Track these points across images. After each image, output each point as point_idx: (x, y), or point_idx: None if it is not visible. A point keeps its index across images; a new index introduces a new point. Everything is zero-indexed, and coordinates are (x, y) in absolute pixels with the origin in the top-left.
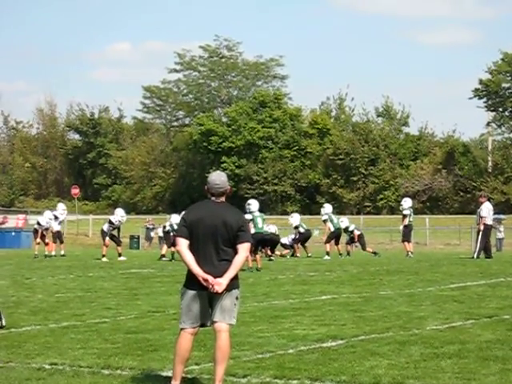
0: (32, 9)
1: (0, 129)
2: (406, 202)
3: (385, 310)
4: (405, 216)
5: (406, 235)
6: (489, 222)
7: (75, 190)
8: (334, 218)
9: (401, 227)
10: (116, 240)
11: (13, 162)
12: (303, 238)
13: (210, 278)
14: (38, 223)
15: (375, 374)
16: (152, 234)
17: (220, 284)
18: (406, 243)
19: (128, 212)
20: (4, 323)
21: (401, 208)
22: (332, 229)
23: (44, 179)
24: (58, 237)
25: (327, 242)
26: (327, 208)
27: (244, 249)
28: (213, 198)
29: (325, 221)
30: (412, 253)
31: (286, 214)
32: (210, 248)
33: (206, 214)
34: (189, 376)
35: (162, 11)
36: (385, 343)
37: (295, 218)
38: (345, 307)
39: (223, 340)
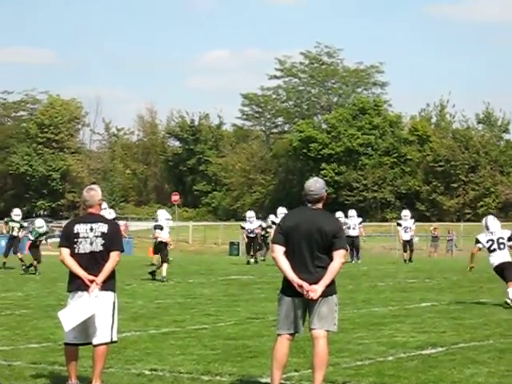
0: (132, 18)
1: (101, 135)
2: None
3: (485, 318)
4: None
5: None
6: None
7: (175, 197)
8: None
9: None
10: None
11: (114, 169)
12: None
13: (305, 284)
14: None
15: (475, 382)
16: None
17: (315, 290)
18: None
19: (228, 219)
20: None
21: None
22: None
23: (144, 186)
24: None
25: None
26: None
27: (339, 255)
28: (309, 205)
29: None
30: None
31: (386, 220)
32: (306, 255)
33: (301, 221)
34: (288, 383)
35: (261, 19)
36: (485, 351)
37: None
38: (444, 314)
39: (321, 347)
